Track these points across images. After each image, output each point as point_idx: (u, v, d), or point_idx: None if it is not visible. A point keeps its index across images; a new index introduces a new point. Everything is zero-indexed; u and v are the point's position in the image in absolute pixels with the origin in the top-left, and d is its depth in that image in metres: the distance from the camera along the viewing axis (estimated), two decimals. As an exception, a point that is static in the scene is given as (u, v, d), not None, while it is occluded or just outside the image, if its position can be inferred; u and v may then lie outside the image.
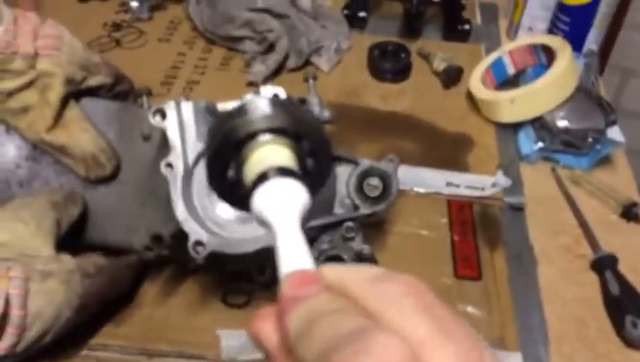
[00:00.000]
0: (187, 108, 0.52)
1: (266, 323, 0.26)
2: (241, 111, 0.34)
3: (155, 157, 0.55)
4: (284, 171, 0.31)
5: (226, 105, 0.50)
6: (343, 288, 0.25)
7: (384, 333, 0.22)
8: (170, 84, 0.86)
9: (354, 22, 0.96)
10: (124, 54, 0.92)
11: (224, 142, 0.33)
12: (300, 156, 0.34)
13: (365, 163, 0.57)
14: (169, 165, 0.51)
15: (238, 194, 0.33)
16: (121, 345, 0.55)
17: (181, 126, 0.51)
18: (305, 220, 0.48)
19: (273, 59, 0.85)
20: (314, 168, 0.35)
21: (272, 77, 0.86)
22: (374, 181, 0.56)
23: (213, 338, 0.56)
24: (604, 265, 0.62)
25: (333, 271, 0.26)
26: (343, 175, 0.57)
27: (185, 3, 0.98)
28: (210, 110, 0.52)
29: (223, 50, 0.93)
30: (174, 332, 0.57)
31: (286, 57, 0.87)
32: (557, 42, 0.79)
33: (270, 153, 0.33)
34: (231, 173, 0.35)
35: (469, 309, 0.59)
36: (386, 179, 0.56)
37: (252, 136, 0.33)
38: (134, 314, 0.58)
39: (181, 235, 0.51)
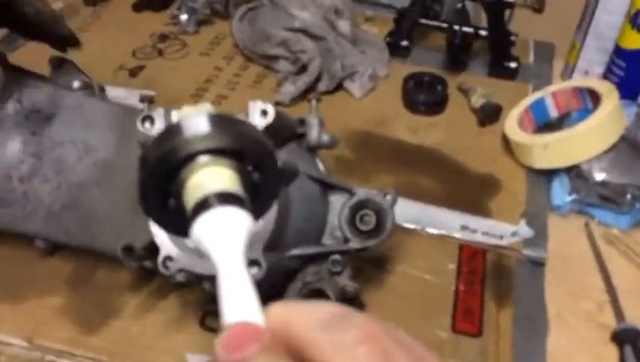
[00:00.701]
0: (177, 117, 0.50)
1: None
2: (176, 130, 0.31)
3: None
4: (224, 197, 0.28)
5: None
6: (291, 334, 0.22)
7: None
8: (200, 96, 0.86)
9: (396, 50, 0.93)
10: (163, 64, 0.93)
11: (158, 167, 0.30)
12: (244, 173, 0.31)
13: (361, 193, 0.52)
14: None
15: (182, 222, 0.30)
16: (88, 356, 0.54)
17: (168, 135, 0.49)
18: (286, 247, 0.44)
19: (303, 80, 0.83)
20: (260, 183, 0.32)
21: (301, 98, 0.84)
22: (368, 214, 0.52)
23: None
24: (624, 338, 0.55)
25: (280, 313, 0.23)
26: (336, 204, 0.53)
27: (230, 19, 0.98)
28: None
29: (259, 68, 0.92)
30: (145, 351, 0.54)
31: (318, 80, 0.85)
32: (604, 87, 0.72)
33: (209, 176, 0.30)
34: (172, 201, 0.32)
35: (462, 368, 0.53)
36: (380, 213, 0.52)
37: (189, 158, 0.30)
38: (110, 325, 0.56)
39: (155, 248, 0.49)
